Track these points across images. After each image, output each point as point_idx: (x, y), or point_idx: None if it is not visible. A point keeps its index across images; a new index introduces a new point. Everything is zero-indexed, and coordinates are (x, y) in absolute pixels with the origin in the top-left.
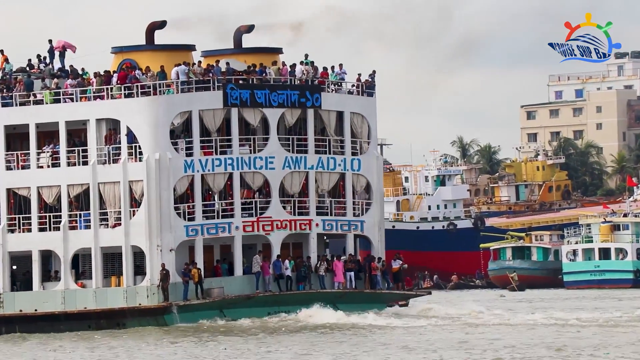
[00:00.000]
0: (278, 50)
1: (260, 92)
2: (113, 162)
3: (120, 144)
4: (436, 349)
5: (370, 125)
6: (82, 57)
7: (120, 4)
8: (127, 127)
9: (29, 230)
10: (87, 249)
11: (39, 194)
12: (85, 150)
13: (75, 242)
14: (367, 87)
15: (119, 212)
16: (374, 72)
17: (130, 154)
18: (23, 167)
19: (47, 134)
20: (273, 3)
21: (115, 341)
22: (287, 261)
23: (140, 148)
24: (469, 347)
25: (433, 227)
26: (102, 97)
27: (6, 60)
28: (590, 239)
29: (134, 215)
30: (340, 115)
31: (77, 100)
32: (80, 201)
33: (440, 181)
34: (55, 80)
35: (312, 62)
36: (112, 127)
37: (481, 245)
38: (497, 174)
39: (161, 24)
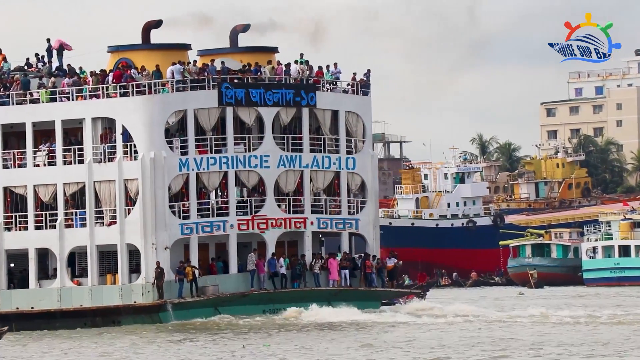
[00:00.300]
0: (273, 50)
1: (255, 91)
2: (108, 161)
3: (115, 142)
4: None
5: (365, 124)
6: (80, 55)
7: (120, 4)
8: (123, 126)
9: (26, 229)
10: (83, 247)
11: (36, 192)
12: (81, 149)
13: (71, 240)
14: (362, 86)
15: (115, 211)
16: (369, 71)
17: (125, 152)
18: (19, 166)
19: (44, 133)
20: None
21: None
22: (282, 259)
23: (135, 147)
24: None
25: (452, 224)
26: (97, 96)
27: (4, 59)
28: (610, 236)
29: (129, 213)
30: (335, 114)
31: (73, 99)
32: (76, 199)
33: (460, 178)
34: (52, 79)
35: (307, 61)
36: (108, 125)
37: (500, 243)
38: (517, 171)
39: (157, 23)
